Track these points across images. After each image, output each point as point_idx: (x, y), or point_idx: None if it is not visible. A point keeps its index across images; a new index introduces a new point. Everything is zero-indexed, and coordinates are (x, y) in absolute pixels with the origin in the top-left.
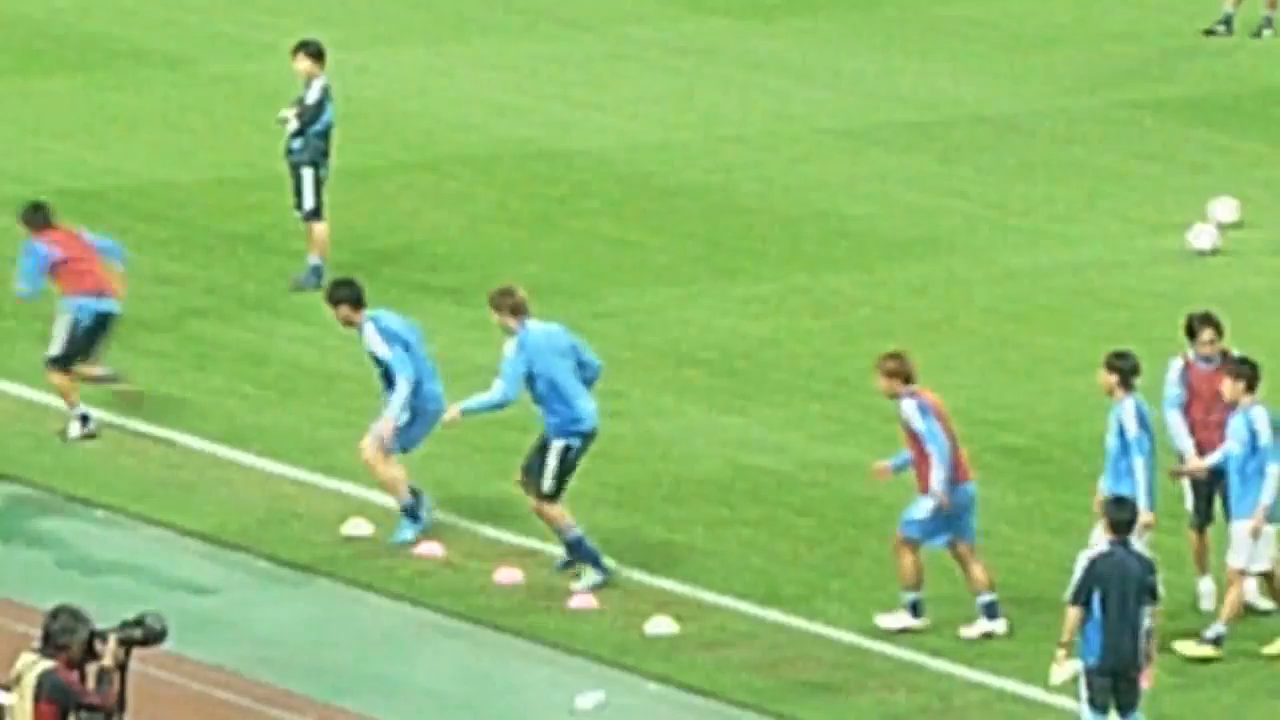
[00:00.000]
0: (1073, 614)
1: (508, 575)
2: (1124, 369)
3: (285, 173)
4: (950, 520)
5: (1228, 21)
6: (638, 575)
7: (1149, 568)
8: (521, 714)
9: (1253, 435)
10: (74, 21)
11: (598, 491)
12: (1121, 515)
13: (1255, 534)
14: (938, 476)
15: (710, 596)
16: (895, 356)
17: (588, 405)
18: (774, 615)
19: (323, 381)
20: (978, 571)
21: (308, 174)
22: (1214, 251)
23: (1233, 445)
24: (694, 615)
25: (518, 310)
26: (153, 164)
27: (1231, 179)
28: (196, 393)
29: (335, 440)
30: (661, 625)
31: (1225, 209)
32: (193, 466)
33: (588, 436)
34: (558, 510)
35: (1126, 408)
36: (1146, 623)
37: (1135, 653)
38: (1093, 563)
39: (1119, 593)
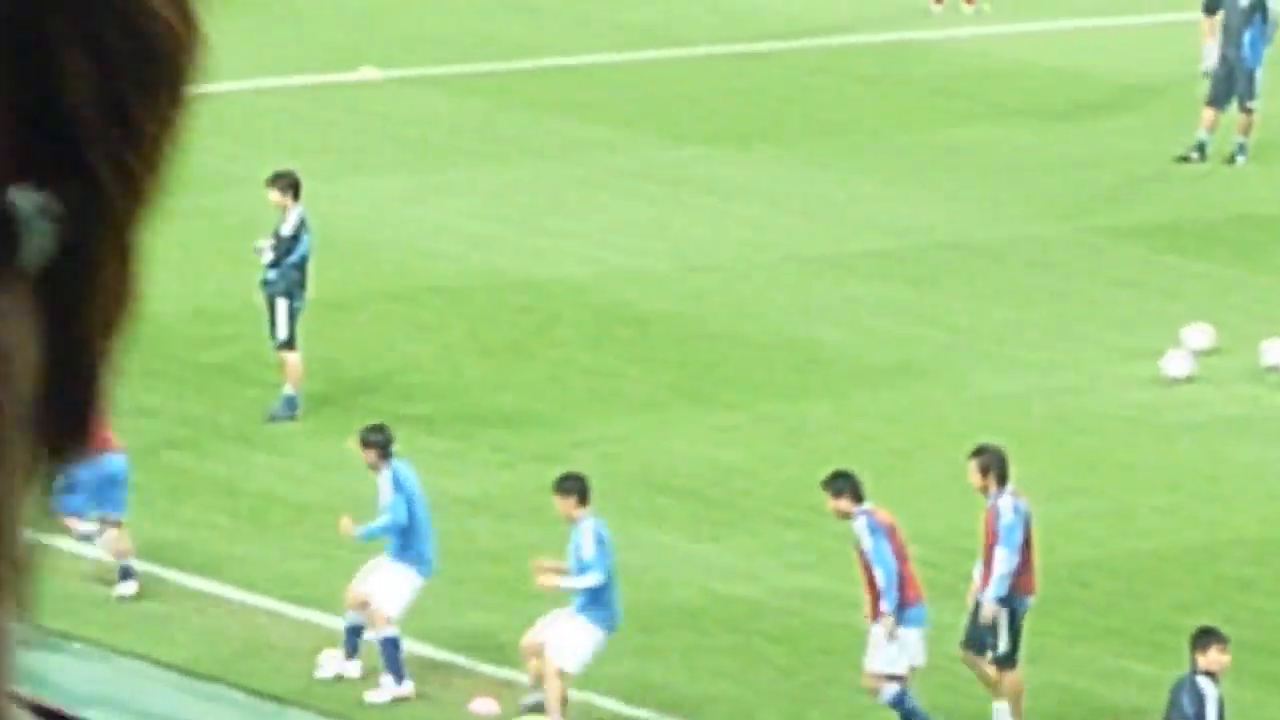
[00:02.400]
0: None
1: (483, 706)
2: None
3: (260, 304)
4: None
5: (1201, 148)
6: (612, 705)
7: None
8: None
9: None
10: None
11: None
12: None
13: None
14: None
15: None
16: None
17: None
18: None
19: (296, 512)
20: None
21: (282, 305)
22: (1189, 378)
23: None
24: None
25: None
26: None
27: (1206, 305)
28: (171, 524)
29: (309, 571)
30: None
31: (1199, 335)
32: (168, 597)
33: None
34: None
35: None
36: None
37: None
38: None
39: None
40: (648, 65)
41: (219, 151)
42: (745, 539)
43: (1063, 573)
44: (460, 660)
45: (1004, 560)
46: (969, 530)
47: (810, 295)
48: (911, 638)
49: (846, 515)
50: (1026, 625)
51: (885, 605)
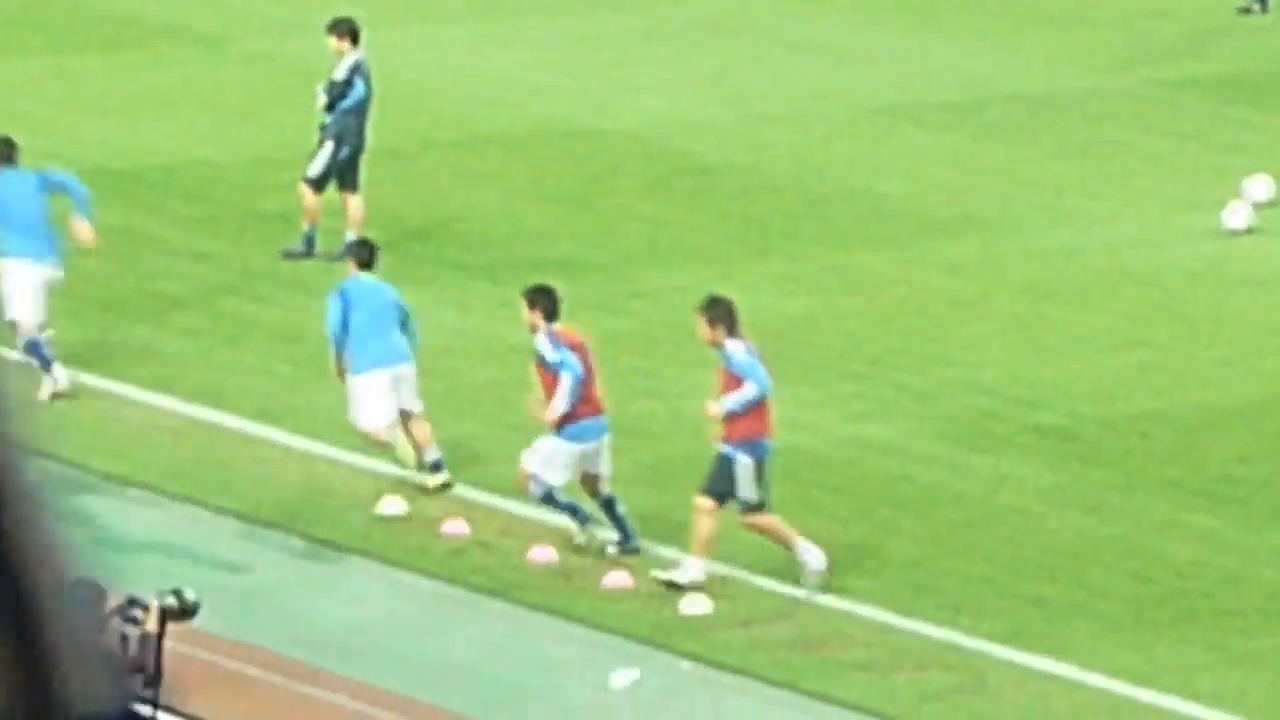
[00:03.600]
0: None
1: (541, 554)
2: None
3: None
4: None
5: (1263, 0)
6: (671, 554)
7: None
8: (555, 692)
9: None
10: (108, 0)
11: (630, 470)
12: None
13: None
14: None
15: (744, 575)
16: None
17: None
18: (808, 594)
19: None
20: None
21: (328, 147)
22: (1249, 230)
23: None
24: (728, 594)
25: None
26: (187, 143)
27: (1267, 157)
28: (230, 371)
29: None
30: (695, 604)
31: (1260, 187)
32: (227, 445)
33: None
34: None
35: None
36: None
37: None
38: None
39: None
40: None
41: (282, 1)
42: (805, 390)
43: (1122, 424)
44: (517, 508)
45: (747, 390)
46: (1029, 380)
47: (873, 147)
48: (576, 451)
49: (534, 329)
50: (1083, 475)
51: (558, 400)
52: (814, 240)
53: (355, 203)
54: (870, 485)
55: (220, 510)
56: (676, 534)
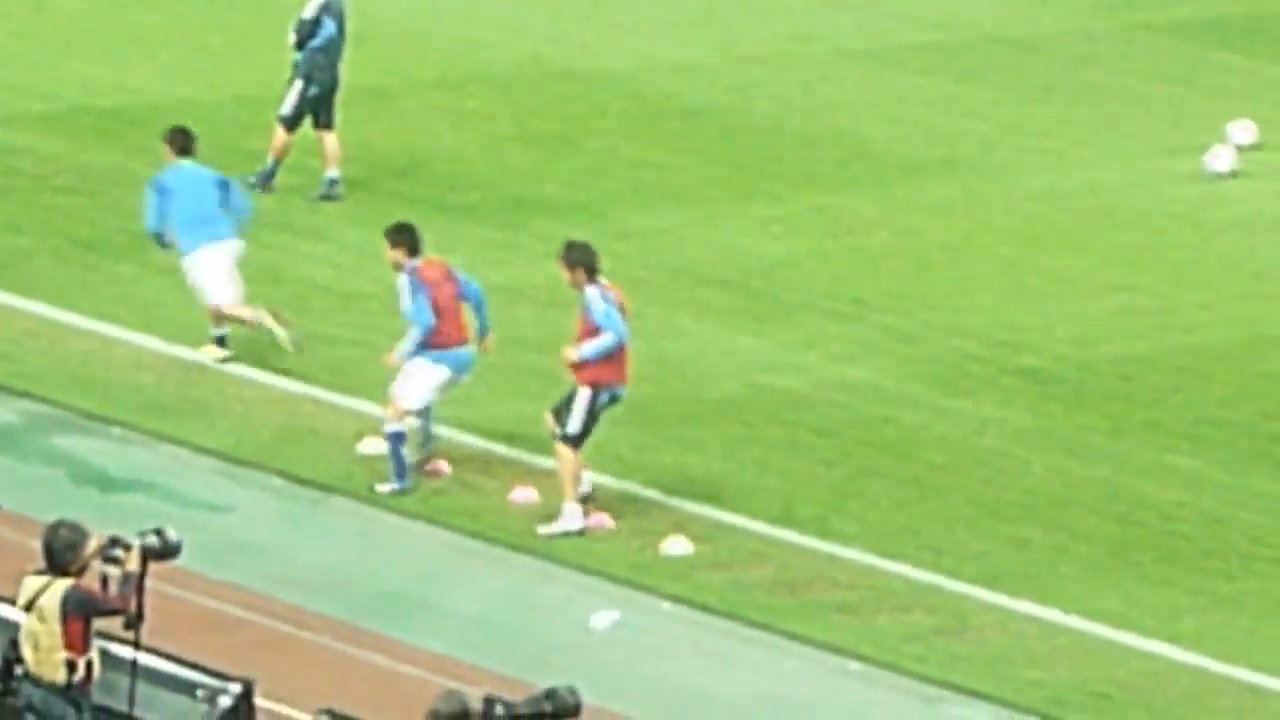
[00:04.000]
0: None
1: (523, 495)
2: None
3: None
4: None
5: None
6: (653, 495)
7: None
8: (538, 633)
9: None
10: None
11: (613, 410)
12: None
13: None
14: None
15: (726, 517)
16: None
17: None
18: (790, 536)
19: (339, 300)
20: None
21: (297, 85)
22: (1232, 174)
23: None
24: (710, 535)
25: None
26: (171, 82)
27: (1250, 101)
28: None
29: (351, 359)
30: (677, 545)
31: (1244, 131)
32: (209, 384)
33: None
34: None
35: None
36: None
37: None
38: None
39: None
40: None
41: None
42: (788, 331)
43: (1105, 367)
44: (501, 449)
45: (604, 339)
46: (1011, 323)
47: (856, 89)
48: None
49: (399, 267)
50: (1065, 419)
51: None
52: (798, 182)
53: (331, 140)
54: (853, 427)
55: (201, 450)
56: (660, 477)
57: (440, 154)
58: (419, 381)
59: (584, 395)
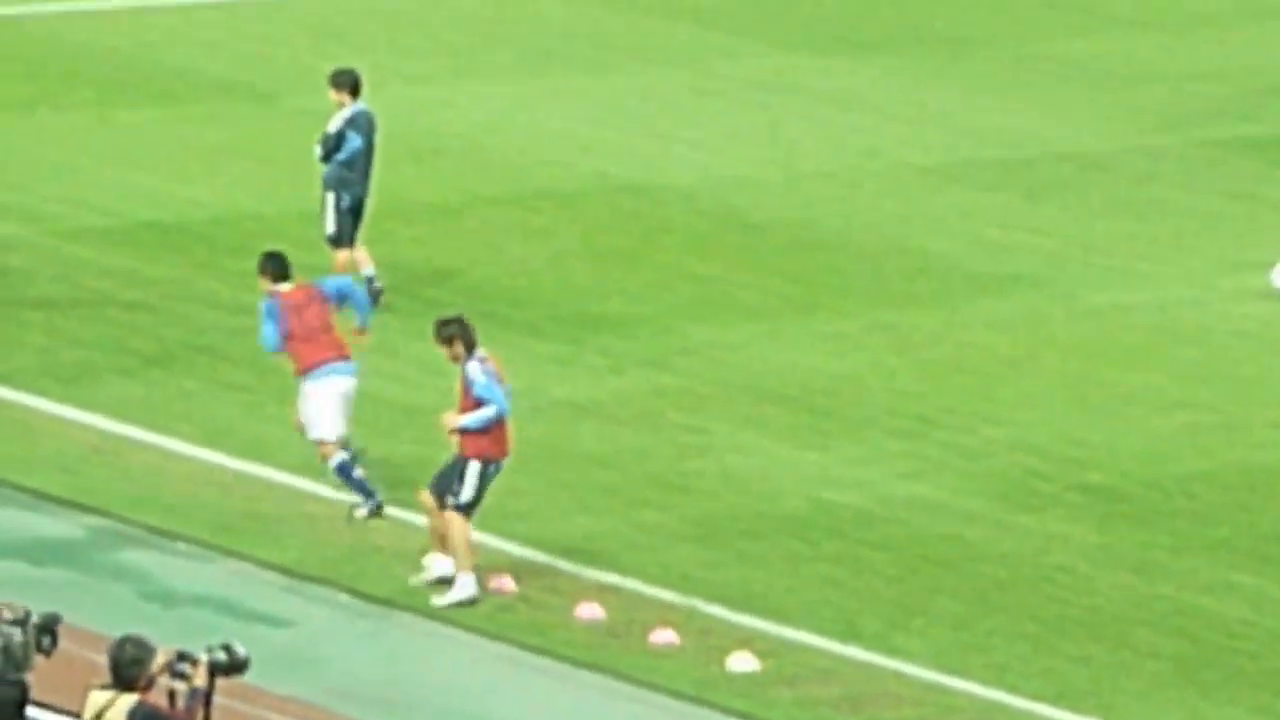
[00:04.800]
0: None
1: (588, 611)
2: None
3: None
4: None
5: None
6: (718, 611)
7: None
8: None
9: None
10: (160, 54)
11: (677, 526)
12: None
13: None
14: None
15: (791, 633)
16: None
17: None
18: (854, 652)
19: (403, 415)
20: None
21: (329, 199)
22: None
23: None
24: (775, 652)
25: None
26: (236, 196)
27: None
28: (278, 426)
29: (416, 475)
30: (743, 662)
31: None
32: (275, 500)
33: None
34: None
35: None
36: None
37: None
38: None
39: None
40: None
41: (329, 55)
42: (852, 448)
43: (1170, 485)
44: (565, 565)
45: (486, 411)
46: (1076, 440)
47: (921, 204)
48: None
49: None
50: (1130, 536)
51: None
52: (862, 298)
53: (342, 255)
54: (917, 543)
55: (267, 565)
56: (725, 593)
57: (505, 269)
58: (318, 409)
59: (474, 468)
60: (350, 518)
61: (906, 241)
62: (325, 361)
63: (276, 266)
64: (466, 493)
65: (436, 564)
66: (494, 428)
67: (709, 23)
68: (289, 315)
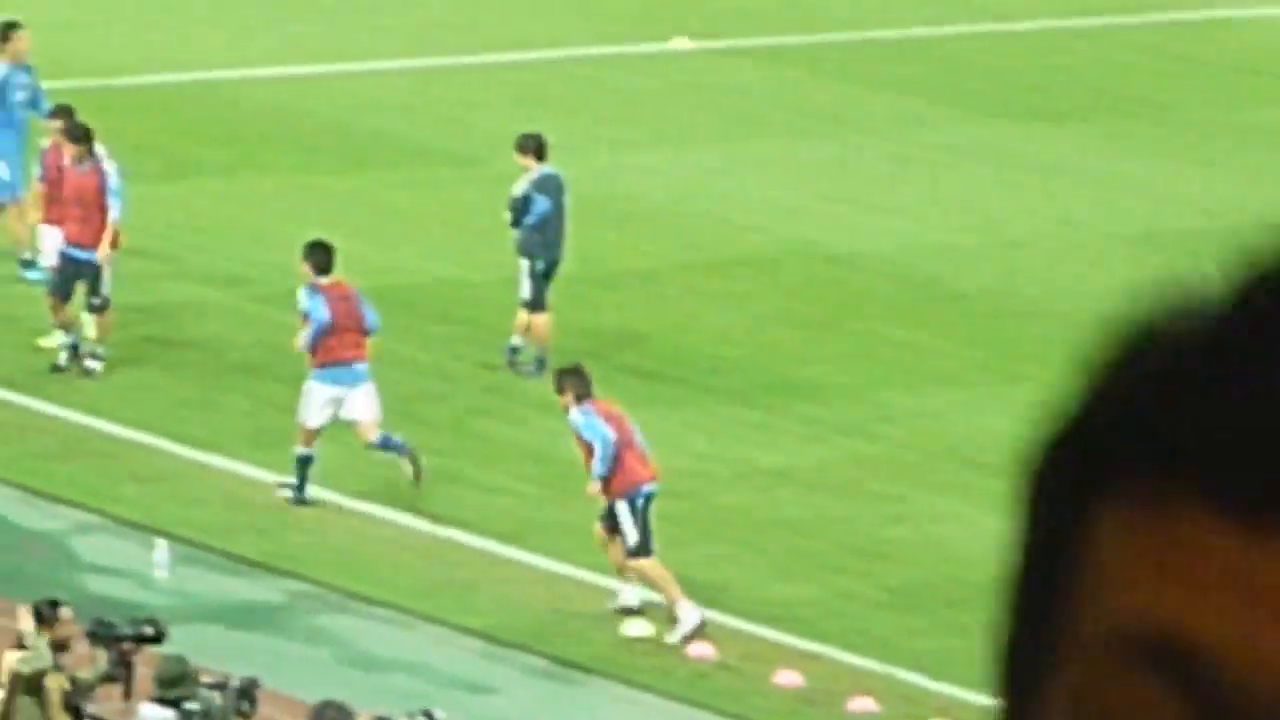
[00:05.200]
0: None
1: (786, 678)
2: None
3: (570, 275)
4: None
5: None
6: (917, 679)
7: None
8: None
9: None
10: (359, 119)
11: (876, 594)
12: None
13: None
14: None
15: (990, 701)
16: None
17: None
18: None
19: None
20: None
21: (523, 265)
22: None
23: None
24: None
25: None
26: (436, 262)
27: None
28: (478, 491)
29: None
30: None
31: None
32: (473, 565)
33: None
34: None
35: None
36: None
37: None
38: None
39: None
40: (962, 39)
41: (531, 121)
42: None
43: None
44: (765, 632)
45: (599, 450)
46: None
47: (1123, 273)
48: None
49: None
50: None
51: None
52: (1064, 366)
53: (540, 320)
54: None
55: (466, 630)
56: (922, 660)
57: (706, 336)
58: (312, 403)
59: (622, 509)
60: (276, 489)
61: (1108, 310)
62: (341, 362)
63: (321, 258)
64: (629, 536)
65: (624, 593)
66: (618, 461)
67: (909, 90)
68: (332, 304)
